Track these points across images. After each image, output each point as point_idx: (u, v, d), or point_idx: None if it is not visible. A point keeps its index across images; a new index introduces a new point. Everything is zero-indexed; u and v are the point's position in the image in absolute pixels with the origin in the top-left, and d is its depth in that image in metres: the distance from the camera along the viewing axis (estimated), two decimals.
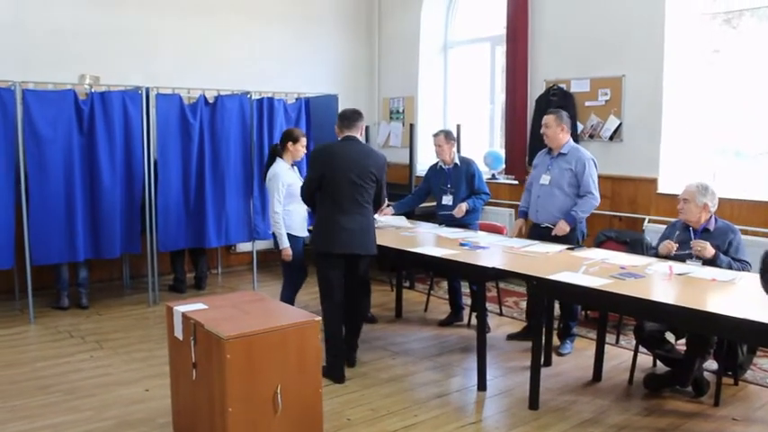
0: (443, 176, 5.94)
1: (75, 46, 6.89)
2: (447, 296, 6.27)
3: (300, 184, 5.11)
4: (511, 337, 5.53)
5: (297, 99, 7.64)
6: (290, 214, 5.35)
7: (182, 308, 3.69)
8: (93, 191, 6.28)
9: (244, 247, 7.77)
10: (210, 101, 6.93)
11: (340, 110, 7.27)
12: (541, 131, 5.36)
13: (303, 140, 5.56)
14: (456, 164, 5.93)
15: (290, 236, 5.34)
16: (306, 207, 5.25)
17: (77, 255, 6.21)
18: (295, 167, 5.63)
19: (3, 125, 5.81)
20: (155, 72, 7.15)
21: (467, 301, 6.20)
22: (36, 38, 6.71)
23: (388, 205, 6.04)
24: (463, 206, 5.79)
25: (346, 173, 4.54)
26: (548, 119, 5.29)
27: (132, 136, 6.41)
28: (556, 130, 5.24)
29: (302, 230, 5.43)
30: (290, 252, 5.29)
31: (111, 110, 6.28)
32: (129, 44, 7.22)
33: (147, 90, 6.44)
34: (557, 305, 5.37)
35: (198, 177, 6.86)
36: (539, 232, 5.35)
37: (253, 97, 7.20)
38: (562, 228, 5.15)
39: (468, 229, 5.81)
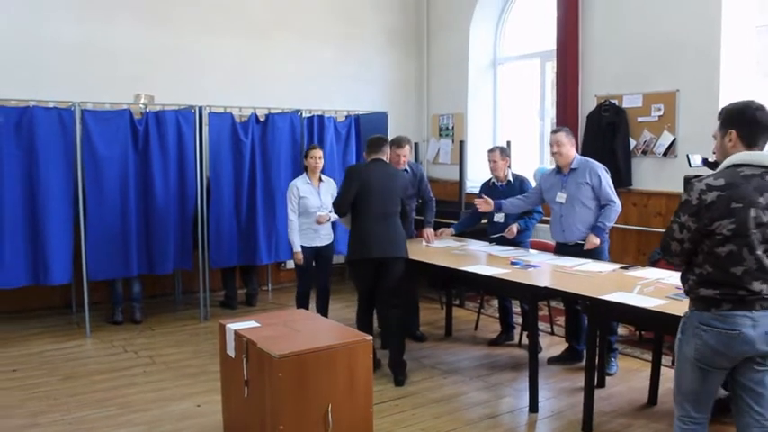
0: (496, 194, 5.88)
1: (131, 66, 7.09)
2: (497, 315, 6.23)
3: (313, 200, 5.83)
4: (552, 360, 5.40)
5: (347, 117, 7.71)
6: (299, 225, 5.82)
7: (234, 325, 3.74)
8: (148, 208, 6.43)
9: (293, 263, 7.81)
10: (262, 119, 7.05)
11: (390, 127, 7.42)
12: (553, 151, 5.25)
13: (312, 152, 5.92)
14: (509, 181, 5.89)
15: None
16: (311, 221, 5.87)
17: (132, 270, 6.36)
18: (324, 185, 5.93)
19: (63, 144, 6.00)
20: (207, 91, 7.30)
21: (517, 319, 6.14)
22: (94, 59, 6.92)
23: (449, 226, 6.06)
24: (514, 228, 5.72)
25: (376, 190, 5.05)
26: (560, 137, 5.21)
27: (185, 154, 6.55)
28: (569, 147, 5.19)
29: (309, 240, 5.87)
30: (301, 256, 5.79)
31: (166, 128, 6.43)
32: (182, 64, 7.39)
33: (201, 109, 6.58)
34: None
35: (249, 195, 6.98)
36: (567, 251, 5.25)
37: (303, 115, 7.29)
38: (593, 242, 5.09)
39: (520, 247, 5.76)
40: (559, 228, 5.30)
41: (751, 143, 2.76)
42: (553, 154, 5.27)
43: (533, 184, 6.51)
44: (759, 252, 2.66)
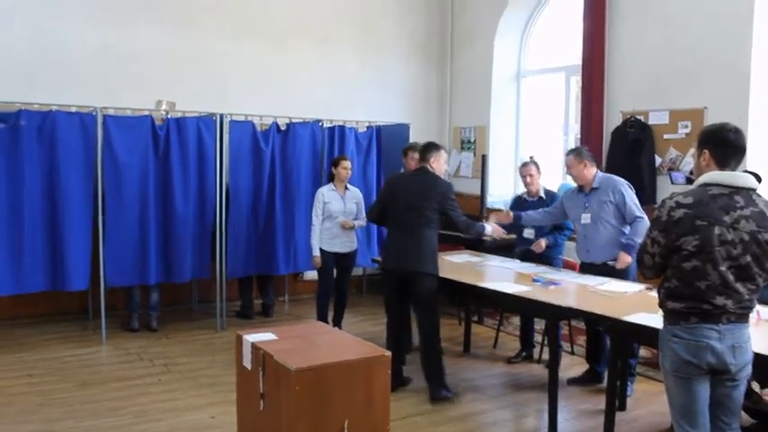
0: (527, 209, 5.80)
1: (153, 71, 7.13)
2: (517, 332, 6.19)
3: (337, 205, 6.10)
4: (571, 381, 5.32)
5: (368, 127, 7.73)
6: (322, 230, 6.09)
7: (251, 337, 3.72)
8: (167, 215, 6.46)
9: (311, 274, 7.79)
10: (283, 128, 7.08)
11: (411, 139, 7.39)
12: (566, 173, 5.30)
13: (343, 163, 6.22)
14: (541, 197, 5.84)
15: (320, 249, 6.11)
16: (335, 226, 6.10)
17: (149, 278, 6.39)
18: (349, 193, 6.20)
19: (83, 149, 6.05)
20: (229, 98, 7.34)
21: (537, 338, 6.09)
22: (116, 64, 6.97)
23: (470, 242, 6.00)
24: (542, 242, 5.66)
25: (405, 200, 5.00)
26: (568, 160, 5.23)
27: (205, 161, 6.58)
28: (579, 168, 5.14)
29: (329, 246, 6.11)
30: (319, 260, 6.08)
31: (186, 135, 6.47)
32: (204, 70, 7.43)
33: (222, 116, 6.61)
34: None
35: (268, 204, 7.01)
36: (592, 270, 5.17)
37: (324, 125, 7.31)
38: (624, 260, 4.99)
39: (551, 264, 5.66)
40: (584, 247, 5.25)
41: (723, 163, 2.90)
42: (568, 174, 5.28)
43: None
44: (723, 268, 2.80)
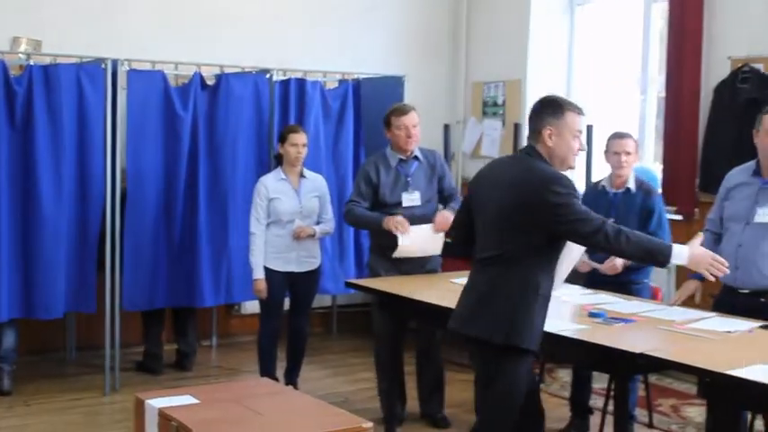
0: (606, 205, 5.65)
1: None
2: (566, 393, 6.23)
3: (289, 203, 6.17)
4: None
5: (341, 82, 7.72)
6: (267, 239, 6.20)
7: (158, 402, 3.74)
8: (27, 217, 6.43)
9: (252, 306, 7.75)
10: (210, 82, 7.07)
11: (406, 99, 7.31)
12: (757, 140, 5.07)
13: (292, 137, 6.26)
14: (628, 189, 5.73)
15: (264, 268, 6.20)
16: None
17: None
18: (306, 182, 6.29)
19: None
20: (126, 36, 7.32)
21: (596, 402, 6.07)
22: None
23: None
24: (618, 262, 5.49)
25: (480, 210, 4.34)
26: None
27: (89, 134, 6.57)
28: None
29: (279, 263, 6.22)
30: (264, 286, 6.16)
31: (59, 92, 6.44)
32: None
33: (115, 63, 6.57)
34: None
35: (187, 199, 7.03)
36: (736, 303, 5.00)
37: (274, 78, 7.27)
38: None
39: (632, 294, 5.54)
40: (732, 263, 4.79)
41: None
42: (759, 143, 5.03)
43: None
44: None
